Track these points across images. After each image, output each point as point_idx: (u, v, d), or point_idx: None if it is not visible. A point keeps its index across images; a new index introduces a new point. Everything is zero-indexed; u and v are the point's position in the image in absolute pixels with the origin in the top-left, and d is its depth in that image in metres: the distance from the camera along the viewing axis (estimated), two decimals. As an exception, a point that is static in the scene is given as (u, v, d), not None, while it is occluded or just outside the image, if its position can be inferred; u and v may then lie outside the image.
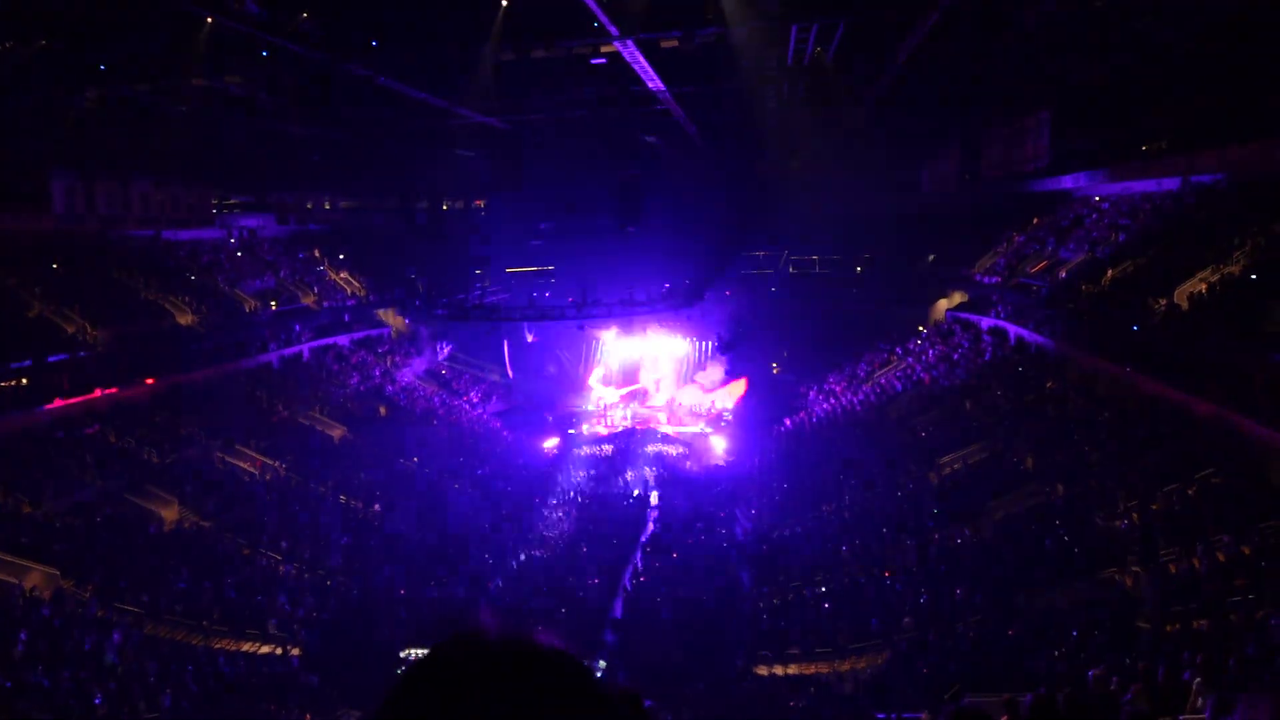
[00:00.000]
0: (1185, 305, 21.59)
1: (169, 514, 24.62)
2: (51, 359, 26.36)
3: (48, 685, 16.61)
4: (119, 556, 21.61)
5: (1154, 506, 18.03)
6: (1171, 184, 27.01)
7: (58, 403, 25.81)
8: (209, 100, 28.59)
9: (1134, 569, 16.91)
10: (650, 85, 22.98)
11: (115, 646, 18.32)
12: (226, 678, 19.14)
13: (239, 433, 29.81)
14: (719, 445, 39.41)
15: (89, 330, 28.12)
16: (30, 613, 18.25)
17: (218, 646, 20.36)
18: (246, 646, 20.83)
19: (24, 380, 25.79)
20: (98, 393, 27.14)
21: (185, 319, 32.25)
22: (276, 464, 29.20)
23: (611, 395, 44.48)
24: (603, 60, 23.36)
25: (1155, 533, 17.14)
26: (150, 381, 29.16)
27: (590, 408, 43.74)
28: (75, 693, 16.69)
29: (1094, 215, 31.47)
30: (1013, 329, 30.81)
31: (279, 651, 20.96)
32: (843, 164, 38.80)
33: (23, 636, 17.29)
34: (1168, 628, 14.49)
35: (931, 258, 40.96)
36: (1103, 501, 19.32)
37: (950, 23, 21.65)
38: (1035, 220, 35.41)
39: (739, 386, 42.67)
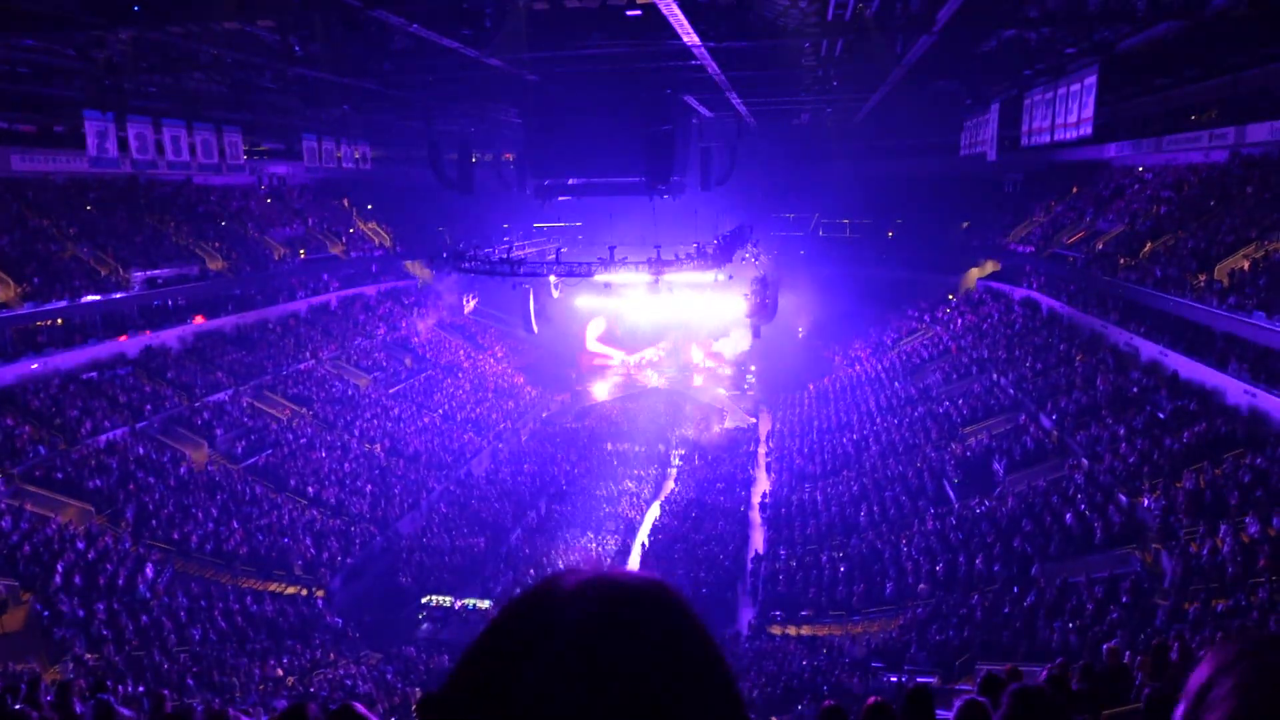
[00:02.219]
0: (1226, 281, 21.06)
1: (198, 456, 25.17)
2: (85, 300, 26.81)
3: (83, 615, 17.23)
4: (150, 495, 22.20)
5: (1179, 485, 17.82)
6: (1220, 156, 26.18)
7: (91, 344, 26.32)
8: (241, 44, 28.45)
9: (1154, 546, 16.79)
10: (685, 40, 22.50)
11: (148, 581, 18.92)
12: (254, 616, 19.72)
13: (267, 379, 30.27)
14: (741, 408, 39.41)
15: (121, 273, 28.52)
16: (65, 547, 18.85)
17: (245, 586, 20.94)
18: (273, 587, 21.40)
19: (59, 320, 26.29)
20: (130, 335, 27.62)
21: (216, 264, 32.59)
22: (303, 411, 29.66)
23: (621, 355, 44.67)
24: (638, 12, 22.87)
25: (1179, 511, 16.97)
26: (181, 326, 29.60)
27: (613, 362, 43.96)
28: (109, 623, 17.31)
29: (1136, 186, 30.65)
30: (1045, 300, 30.29)
31: (304, 593, 21.53)
32: (878, 126, 37.96)
33: (59, 568, 17.89)
34: (1185, 605, 14.41)
35: (965, 225, 40.19)
36: (1127, 478, 19.13)
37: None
38: (1074, 189, 34.54)
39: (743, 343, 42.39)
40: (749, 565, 23.13)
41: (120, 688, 13.73)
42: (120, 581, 18.65)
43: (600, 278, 33.93)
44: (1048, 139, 29.83)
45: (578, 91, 33.92)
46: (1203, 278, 21.70)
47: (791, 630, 19.83)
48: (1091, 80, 25.92)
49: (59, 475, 21.35)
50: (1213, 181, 26.17)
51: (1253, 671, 0.74)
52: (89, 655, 16.30)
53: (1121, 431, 20.83)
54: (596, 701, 0.64)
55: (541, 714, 0.64)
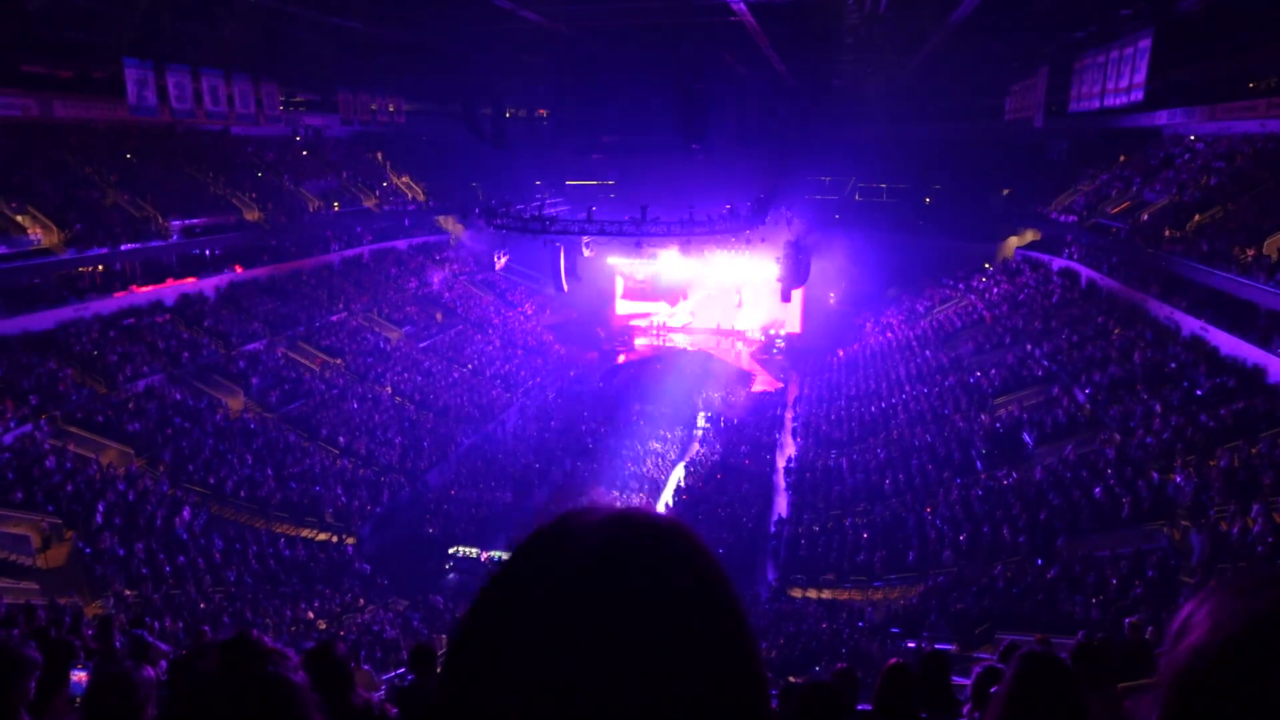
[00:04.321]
0: (1275, 257, 20.44)
1: (234, 404, 25.72)
2: (125, 248, 27.27)
3: (122, 554, 17.84)
4: (187, 440, 22.77)
5: (1212, 463, 17.52)
6: (1276, 125, 25.23)
7: (132, 290, 26.83)
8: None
9: (1183, 523, 16.58)
10: (724, -6, 22.07)
11: (184, 523, 19.50)
12: (286, 560, 20.29)
13: (301, 330, 30.72)
14: (769, 372, 39.31)
15: (160, 221, 28.92)
16: (106, 487, 19.45)
17: (278, 530, 21.51)
18: (305, 533, 21.96)
19: (100, 267, 26.80)
20: (169, 283, 28.11)
21: (252, 215, 32.92)
22: (336, 362, 30.11)
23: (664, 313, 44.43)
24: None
25: (1211, 489, 16.72)
26: (218, 275, 30.05)
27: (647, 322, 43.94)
28: (147, 561, 17.91)
29: (1186, 155, 29.69)
30: (1085, 271, 29.64)
31: (335, 540, 22.07)
32: (920, 88, 37.05)
33: (100, 507, 18.48)
34: (1211, 583, 14.26)
35: (1006, 192, 39.29)
36: (1160, 454, 18.83)
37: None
38: (1122, 158, 33.57)
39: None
40: (772, 528, 23.26)
41: (157, 624, 14.24)
42: (158, 522, 19.24)
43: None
44: (1097, 104, 28.94)
45: (614, 48, 33.49)
46: (1250, 252, 21.07)
47: (812, 593, 19.98)
48: (1146, 44, 25.02)
49: (100, 418, 21.95)
50: (1267, 153, 25.27)
51: (1228, 596, 0.79)
52: (128, 592, 16.90)
53: (1157, 407, 20.45)
54: (615, 628, 0.64)
55: (554, 643, 0.64)
